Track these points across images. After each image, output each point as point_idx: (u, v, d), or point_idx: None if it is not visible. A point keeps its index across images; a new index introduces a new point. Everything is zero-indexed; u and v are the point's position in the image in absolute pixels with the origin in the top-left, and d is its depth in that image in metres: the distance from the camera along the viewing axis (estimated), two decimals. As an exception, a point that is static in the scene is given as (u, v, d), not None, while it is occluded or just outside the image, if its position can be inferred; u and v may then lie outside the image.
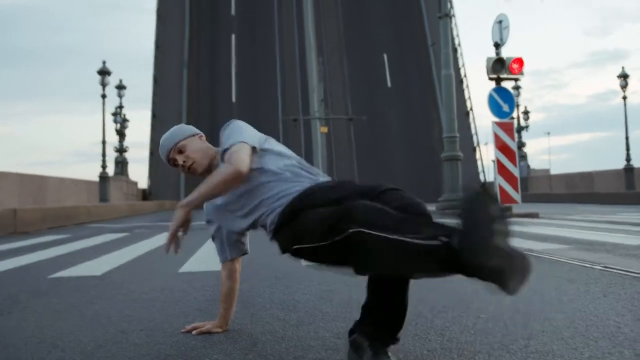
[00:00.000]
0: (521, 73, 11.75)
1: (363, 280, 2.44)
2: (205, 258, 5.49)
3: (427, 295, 3.23)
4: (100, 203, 20.04)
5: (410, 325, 2.45)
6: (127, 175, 32.25)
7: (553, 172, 34.12)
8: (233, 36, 37.58)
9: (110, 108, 31.45)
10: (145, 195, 32.68)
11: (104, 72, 21.77)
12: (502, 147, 11.22)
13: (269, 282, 3.91)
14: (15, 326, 2.79)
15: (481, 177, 32.81)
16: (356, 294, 3.33)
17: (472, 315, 2.70)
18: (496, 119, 11.45)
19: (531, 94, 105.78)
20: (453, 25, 33.99)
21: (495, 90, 11.66)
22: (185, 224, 2.11)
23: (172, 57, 36.33)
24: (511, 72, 11.60)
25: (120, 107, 31.21)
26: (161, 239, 8.15)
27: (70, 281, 4.30)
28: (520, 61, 11.61)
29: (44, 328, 2.71)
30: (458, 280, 3.68)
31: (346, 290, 3.43)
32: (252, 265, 4.46)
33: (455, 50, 33.79)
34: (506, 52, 12.05)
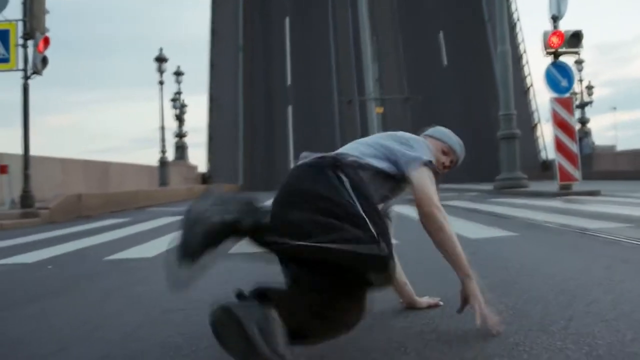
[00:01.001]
0: (581, 47, 11.28)
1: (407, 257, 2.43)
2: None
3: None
4: (160, 187, 20.59)
5: (447, 306, 2.42)
6: (186, 159, 32.96)
7: (619, 148, 32.78)
8: (287, 19, 37.62)
9: (169, 94, 32.08)
10: (204, 179, 33.36)
11: (160, 59, 22.25)
12: (560, 124, 10.84)
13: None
14: (65, 306, 2.91)
15: (542, 156, 31.85)
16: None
17: (514, 295, 2.63)
18: (554, 95, 11.05)
19: (595, 68, 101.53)
20: (511, 1, 32.93)
21: (552, 65, 11.24)
22: None
23: (227, 42, 36.71)
24: (550, 46, 11.12)
25: (179, 93, 31.85)
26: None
27: (123, 263, 4.45)
28: (560, 35, 11.11)
29: (91, 308, 2.81)
30: (504, 260, 3.61)
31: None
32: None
33: (514, 26, 32.75)
34: (566, 26, 11.55)
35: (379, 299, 2.71)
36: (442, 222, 2.06)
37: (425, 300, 2.50)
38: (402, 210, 6.36)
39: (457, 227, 5.58)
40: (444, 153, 2.37)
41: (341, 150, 2.19)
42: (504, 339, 1.96)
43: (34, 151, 11.92)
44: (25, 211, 10.28)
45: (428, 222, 2.07)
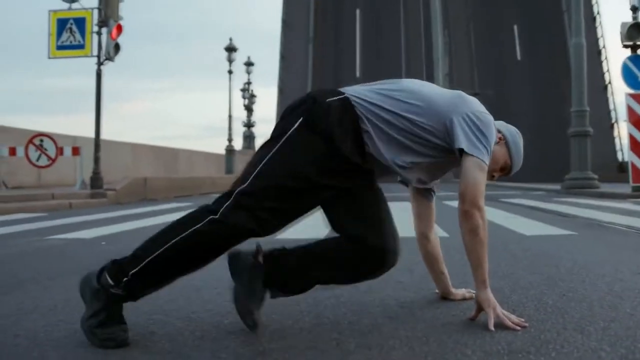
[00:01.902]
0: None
1: (445, 251, 2.35)
2: (309, 226, 5.55)
3: (513, 272, 3.05)
4: (225, 175, 21.00)
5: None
6: (254, 149, 33.42)
7: None
8: (357, 11, 37.49)
9: (239, 84, 32.65)
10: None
11: (230, 49, 22.61)
12: (636, 121, 10.28)
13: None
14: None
15: (619, 156, 30.44)
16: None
17: (556, 293, 2.50)
18: (630, 91, 10.49)
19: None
20: (592, -8, 31.55)
21: (630, 58, 10.67)
22: None
23: (298, 34, 36.98)
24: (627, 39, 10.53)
25: (248, 83, 32.35)
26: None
27: (173, 243, 4.53)
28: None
29: (130, 282, 2.87)
30: (555, 259, 3.45)
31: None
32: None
33: (594, 18, 31.37)
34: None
35: (411, 289, 2.65)
36: (479, 225, 1.94)
37: (461, 292, 2.41)
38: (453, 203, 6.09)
39: (513, 224, 5.43)
40: (501, 168, 2.16)
41: (402, 87, 2.00)
42: (534, 335, 1.85)
43: (107, 136, 12.43)
44: (94, 192, 10.70)
45: (465, 220, 1.95)
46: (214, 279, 2.92)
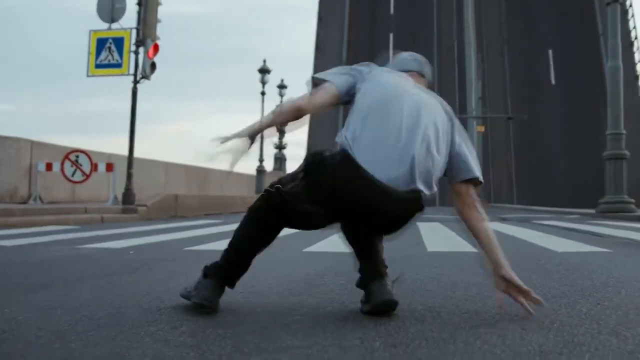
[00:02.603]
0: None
1: (473, 264, 2.29)
2: (335, 242, 5.52)
3: (545, 283, 2.96)
4: (256, 194, 21.10)
5: (511, 307, 2.24)
6: (284, 171, 33.62)
7: None
8: (391, 35, 37.66)
9: (271, 107, 32.95)
10: (300, 190, 33.79)
11: (264, 71, 22.88)
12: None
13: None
14: (131, 281, 3.00)
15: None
16: (467, 276, 3.15)
17: (589, 303, 2.41)
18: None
19: None
20: (629, 17, 31.17)
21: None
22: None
23: (331, 58, 37.25)
24: None
25: (280, 104, 32.62)
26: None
27: (200, 253, 4.54)
28: None
29: (156, 285, 2.87)
30: (588, 272, 3.34)
31: (459, 274, 3.25)
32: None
33: (631, 43, 30.94)
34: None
35: (439, 295, 2.60)
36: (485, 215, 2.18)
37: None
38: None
39: (545, 242, 5.32)
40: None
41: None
42: (566, 339, 1.78)
43: (142, 156, 12.60)
44: (126, 207, 10.84)
45: (475, 210, 2.15)
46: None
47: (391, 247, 4.72)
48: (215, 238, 5.98)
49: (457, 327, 1.95)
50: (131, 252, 4.61)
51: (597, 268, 3.59)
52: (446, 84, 35.47)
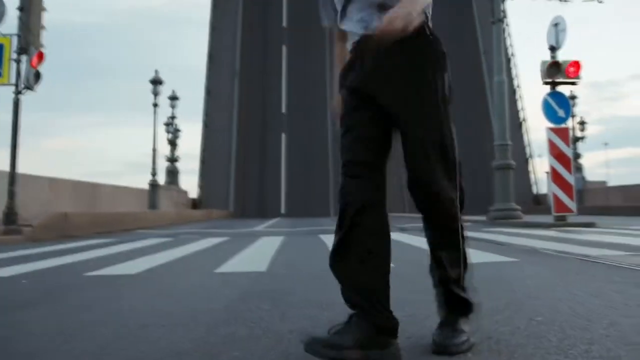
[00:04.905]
0: (578, 77, 11.25)
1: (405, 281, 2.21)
2: (245, 260, 5.34)
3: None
4: (149, 210, 20.31)
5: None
6: (177, 184, 32.68)
7: (611, 184, 32.82)
8: (284, 47, 37.82)
9: (164, 119, 31.92)
10: (195, 204, 33.05)
11: (156, 82, 22.16)
12: (557, 154, 10.72)
13: (304, 281, 3.71)
14: (40, 317, 2.69)
15: (533, 190, 31.85)
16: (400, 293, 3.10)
17: (524, 317, 2.43)
18: (551, 125, 10.97)
19: (589, 107, 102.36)
20: (506, 35, 33.25)
21: (550, 94, 11.19)
22: None
23: (224, 68, 36.81)
24: (567, 76, 11.10)
25: (173, 117, 31.73)
26: (205, 244, 8.08)
27: (105, 279, 4.21)
28: (577, 64, 11.11)
29: (67, 320, 2.59)
30: (507, 284, 3.42)
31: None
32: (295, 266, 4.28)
33: (508, 60, 33.00)
34: (562, 57, 11.52)
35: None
36: None
37: None
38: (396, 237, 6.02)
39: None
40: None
41: None
42: (521, 361, 1.75)
43: (25, 172, 11.69)
44: (8, 228, 10.00)
45: None
46: (159, 315, 2.71)
47: (305, 262, 4.65)
48: (114, 260, 5.61)
49: (405, 355, 1.86)
50: (24, 281, 4.18)
51: (513, 279, 3.68)
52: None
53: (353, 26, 1.95)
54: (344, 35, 2.08)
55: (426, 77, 1.90)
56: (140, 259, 5.68)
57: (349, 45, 2.02)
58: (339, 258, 1.79)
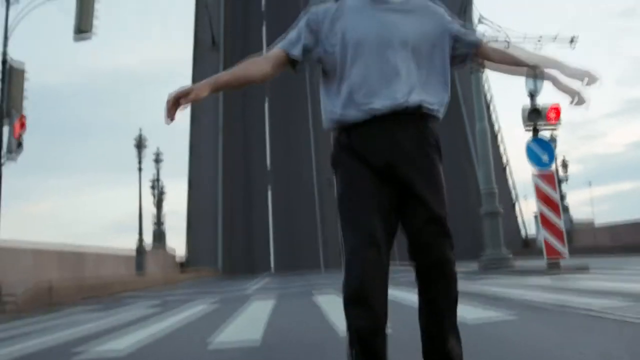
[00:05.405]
0: (559, 122, 11.40)
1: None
2: (238, 330, 5.18)
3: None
4: (136, 275, 19.98)
5: None
6: (164, 245, 32.34)
7: (598, 223, 33.01)
8: (266, 101, 38.14)
9: (149, 177, 31.81)
10: (182, 264, 32.63)
11: (140, 144, 22.17)
12: (544, 199, 10.74)
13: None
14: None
15: (522, 233, 31.89)
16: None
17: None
18: (536, 171, 11.03)
19: (567, 146, 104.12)
20: (484, 81, 33.92)
21: (533, 141, 11.29)
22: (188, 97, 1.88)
23: (207, 126, 36.99)
24: (549, 122, 11.26)
25: (158, 178, 31.66)
26: (194, 311, 7.87)
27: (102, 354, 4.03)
28: (556, 110, 11.28)
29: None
30: (510, 345, 3.30)
31: None
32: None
33: (487, 106, 33.59)
34: (541, 102, 11.70)
35: None
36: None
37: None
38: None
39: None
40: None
41: None
42: None
43: (9, 239, 11.47)
44: (-8, 303, 9.72)
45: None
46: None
47: (300, 330, 4.49)
48: (103, 335, 5.41)
49: None
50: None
51: (516, 339, 3.58)
52: (322, 146, 35.96)
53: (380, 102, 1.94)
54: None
55: (438, 159, 2.00)
56: (129, 336, 5.47)
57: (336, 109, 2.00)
58: None
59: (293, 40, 2.00)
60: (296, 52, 1.99)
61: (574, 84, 1.99)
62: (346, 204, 1.92)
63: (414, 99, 1.91)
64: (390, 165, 1.90)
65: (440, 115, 2.02)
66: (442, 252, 1.90)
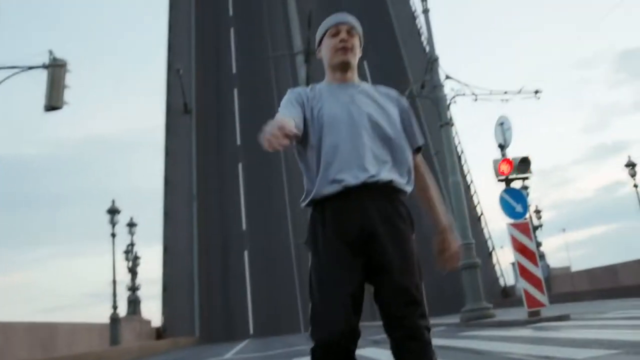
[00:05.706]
0: (530, 172, 11.56)
1: None
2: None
3: None
4: (111, 346, 19.33)
5: None
6: (140, 313, 31.55)
7: (574, 268, 33.22)
8: (240, 165, 38.23)
9: (122, 246, 31.30)
10: (159, 333, 31.73)
11: (113, 211, 21.87)
12: (520, 248, 10.76)
13: None
14: None
15: (501, 282, 31.85)
16: None
17: None
18: (511, 221, 11.09)
19: (539, 193, 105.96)
20: (454, 134, 34.56)
21: (505, 191, 11.40)
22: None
23: (181, 191, 36.80)
24: (500, 174, 11.41)
25: (132, 245, 31.16)
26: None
27: None
28: (509, 162, 11.44)
29: None
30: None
31: None
32: None
33: (459, 158, 34.09)
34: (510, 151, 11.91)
35: None
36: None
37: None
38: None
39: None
40: (332, 35, 2.20)
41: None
42: None
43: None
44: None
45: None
46: None
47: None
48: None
49: None
50: None
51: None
52: (298, 210, 36.13)
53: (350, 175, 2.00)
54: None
55: (409, 229, 2.08)
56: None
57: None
58: None
59: (293, 112, 2.05)
60: (300, 123, 2.06)
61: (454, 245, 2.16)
62: (318, 287, 1.97)
63: (385, 176, 2.00)
64: (362, 236, 1.94)
65: (409, 189, 2.10)
66: (414, 322, 1.95)
